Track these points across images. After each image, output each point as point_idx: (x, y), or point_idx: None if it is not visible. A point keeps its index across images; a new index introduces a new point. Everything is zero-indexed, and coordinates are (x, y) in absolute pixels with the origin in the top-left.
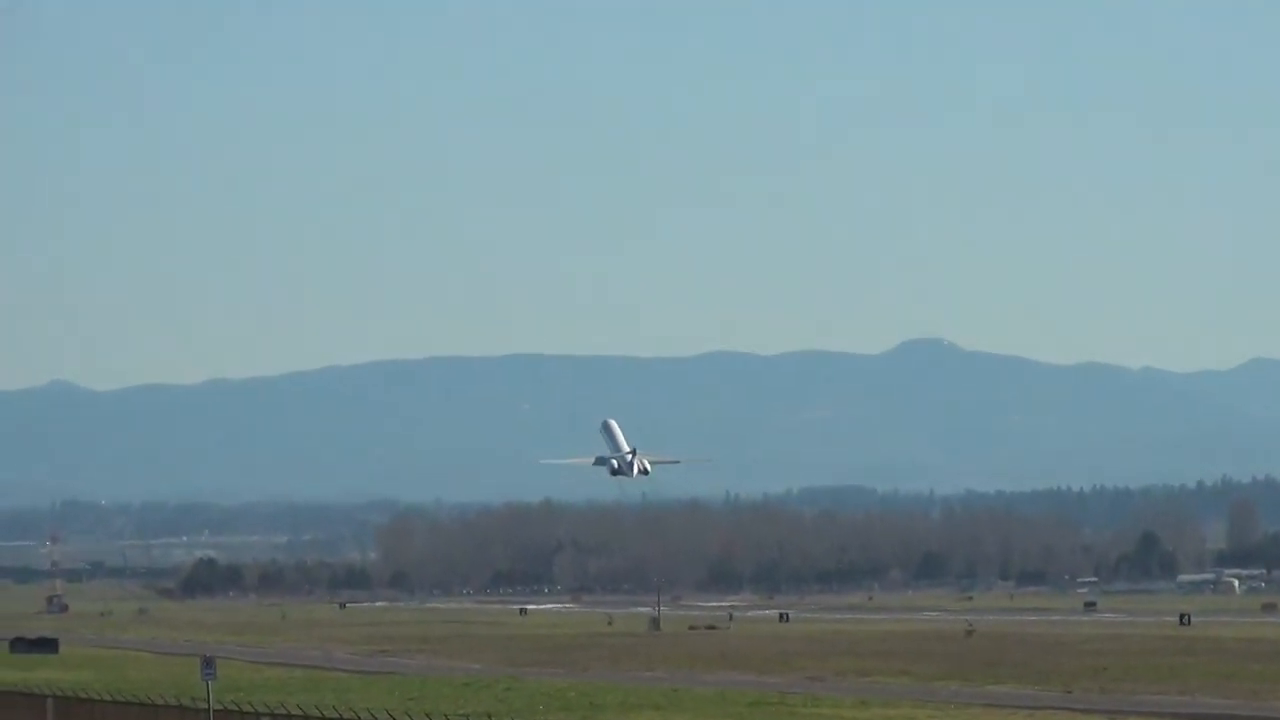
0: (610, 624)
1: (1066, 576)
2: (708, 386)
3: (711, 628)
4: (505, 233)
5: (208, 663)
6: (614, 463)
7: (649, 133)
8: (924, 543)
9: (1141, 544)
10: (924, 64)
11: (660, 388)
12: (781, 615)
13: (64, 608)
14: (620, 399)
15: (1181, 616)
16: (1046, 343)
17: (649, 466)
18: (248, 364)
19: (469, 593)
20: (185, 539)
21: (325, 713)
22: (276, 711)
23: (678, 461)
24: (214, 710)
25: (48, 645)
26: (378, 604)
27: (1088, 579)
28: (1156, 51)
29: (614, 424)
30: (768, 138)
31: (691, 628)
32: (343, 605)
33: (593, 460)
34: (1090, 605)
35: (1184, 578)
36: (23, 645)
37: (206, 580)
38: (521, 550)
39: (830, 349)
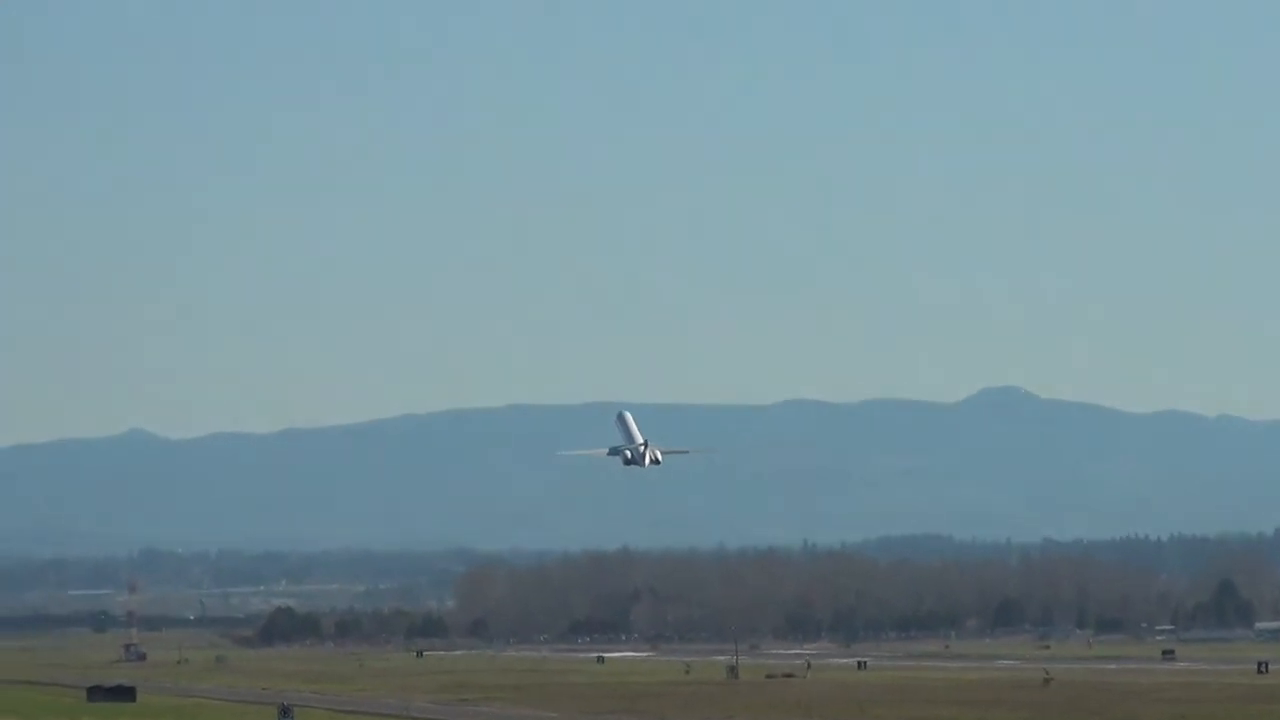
0: (688, 672)
1: (1144, 624)
2: (785, 435)
3: (789, 676)
4: (579, 281)
5: (285, 711)
6: (627, 453)
7: (722, 181)
8: (1001, 591)
9: (1219, 592)
10: (998, 116)
11: (737, 436)
12: (859, 663)
13: (141, 656)
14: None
15: (1259, 664)
16: (1123, 391)
17: (660, 457)
18: (324, 412)
19: (546, 641)
20: (263, 587)
21: None
22: None
23: (687, 451)
24: None
25: (125, 694)
26: (455, 652)
27: (1165, 627)
28: (1240, 102)
29: (628, 416)
30: (842, 187)
31: (769, 676)
32: (420, 653)
33: (607, 451)
34: (1168, 653)
35: (1262, 625)
36: (100, 694)
37: (284, 628)
38: (599, 598)
39: (908, 397)
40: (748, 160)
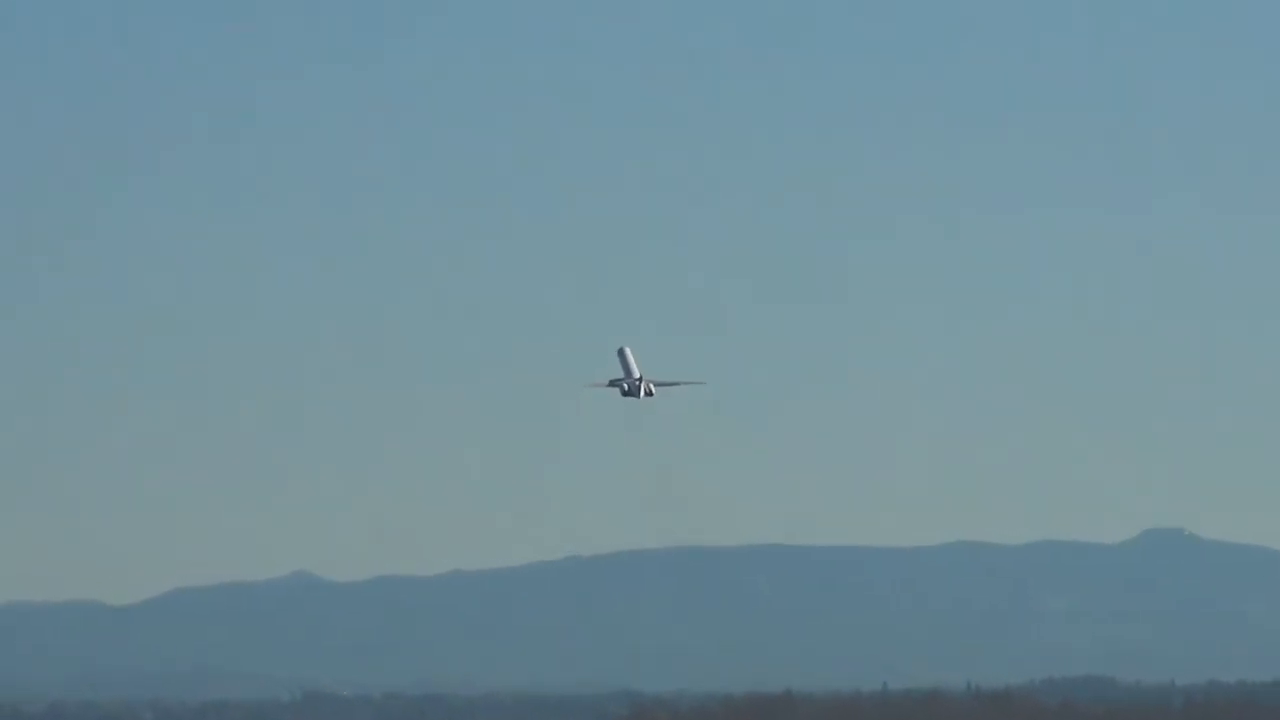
0: None
1: None
2: (949, 576)
3: None
4: (740, 423)
5: None
6: (624, 385)
7: (885, 328)
8: None
9: None
10: (1166, 244)
11: (902, 577)
12: None
13: None
14: (860, 588)
15: None
16: None
17: (654, 390)
18: (488, 554)
19: None
20: None
21: None
22: None
23: (677, 384)
24: None
25: None
26: None
27: None
28: None
29: (628, 351)
30: (1000, 338)
31: None
32: None
33: (607, 383)
34: None
35: None
36: None
37: None
38: None
39: (1071, 539)
40: (904, 315)
